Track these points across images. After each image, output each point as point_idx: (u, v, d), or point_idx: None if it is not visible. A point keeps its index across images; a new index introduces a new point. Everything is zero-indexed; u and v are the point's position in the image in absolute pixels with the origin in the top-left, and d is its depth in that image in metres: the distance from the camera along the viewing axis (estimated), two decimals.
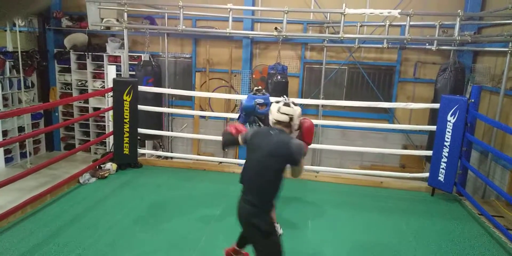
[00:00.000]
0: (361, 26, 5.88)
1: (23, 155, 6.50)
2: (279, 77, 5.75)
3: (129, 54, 6.08)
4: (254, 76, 6.60)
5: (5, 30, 6.15)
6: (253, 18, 6.41)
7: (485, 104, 5.34)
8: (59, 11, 6.88)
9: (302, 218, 4.09)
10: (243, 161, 5.86)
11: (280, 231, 3.42)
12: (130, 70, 6.02)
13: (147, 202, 4.25)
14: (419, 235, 3.78)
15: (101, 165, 5.14)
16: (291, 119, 2.43)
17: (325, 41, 6.16)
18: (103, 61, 6.79)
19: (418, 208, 4.47)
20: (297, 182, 5.15)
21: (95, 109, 6.88)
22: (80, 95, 6.85)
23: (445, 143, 4.59)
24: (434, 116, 4.97)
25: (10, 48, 6.25)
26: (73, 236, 3.46)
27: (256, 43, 6.64)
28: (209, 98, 6.75)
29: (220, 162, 5.79)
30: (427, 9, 5.91)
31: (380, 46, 5.73)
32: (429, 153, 4.88)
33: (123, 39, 5.67)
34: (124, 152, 5.23)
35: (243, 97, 5.90)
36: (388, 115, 6.49)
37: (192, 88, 6.87)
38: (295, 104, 2.51)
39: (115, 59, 6.75)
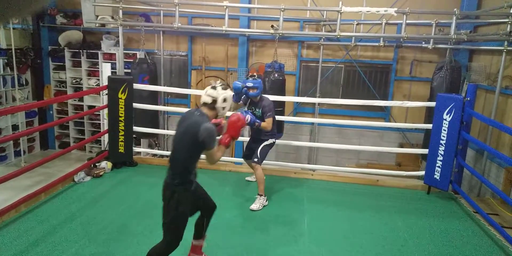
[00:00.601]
0: (357, 24, 5.87)
1: (17, 154, 6.44)
2: (276, 75, 5.74)
3: (124, 51, 6.04)
4: (250, 74, 6.57)
5: None
6: (250, 15, 6.38)
7: (481, 102, 5.37)
8: (54, 8, 6.80)
9: (298, 216, 4.08)
10: (239, 160, 5.85)
11: (265, 202, 4.23)
12: (125, 68, 5.98)
13: (143, 201, 4.23)
14: (415, 233, 3.79)
15: (96, 164, 5.10)
16: (214, 101, 2.57)
17: (322, 39, 6.15)
18: (98, 59, 6.73)
19: (414, 206, 4.48)
20: (293, 181, 5.15)
21: (90, 107, 6.83)
22: (75, 93, 6.79)
23: (441, 142, 4.60)
24: (430, 115, 4.98)
25: (3, 45, 6.18)
26: (67, 235, 3.43)
27: (252, 41, 6.62)
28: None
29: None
30: (423, 8, 5.92)
31: (377, 44, 5.74)
32: (425, 151, 4.89)
33: (118, 37, 5.63)
34: (119, 150, 5.19)
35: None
36: (384, 113, 6.50)
37: (188, 86, 6.84)
38: (225, 89, 2.63)
39: (110, 57, 6.69)
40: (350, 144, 6.13)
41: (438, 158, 4.65)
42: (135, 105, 5.20)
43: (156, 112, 6.00)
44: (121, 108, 5.10)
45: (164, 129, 6.79)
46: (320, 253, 3.37)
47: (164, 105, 6.69)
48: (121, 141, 5.18)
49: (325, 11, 6.02)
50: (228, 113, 3.48)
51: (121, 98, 5.07)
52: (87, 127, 7.07)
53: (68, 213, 3.86)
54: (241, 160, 5.86)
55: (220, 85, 2.63)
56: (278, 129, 5.43)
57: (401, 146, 6.37)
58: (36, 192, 3.98)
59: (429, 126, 4.79)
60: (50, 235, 3.41)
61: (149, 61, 5.82)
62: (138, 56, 6.18)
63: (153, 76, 5.85)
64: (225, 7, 5.10)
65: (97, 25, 6.48)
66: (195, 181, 2.71)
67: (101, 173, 4.93)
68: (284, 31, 5.28)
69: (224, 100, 2.60)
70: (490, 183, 4.19)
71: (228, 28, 5.25)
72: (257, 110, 4.16)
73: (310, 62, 6.64)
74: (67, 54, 6.85)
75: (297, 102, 6.56)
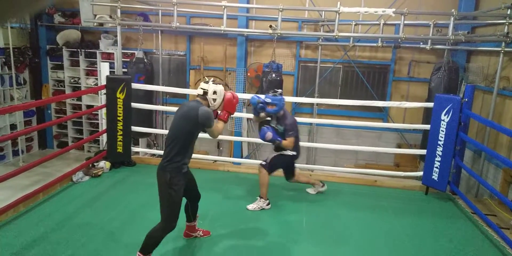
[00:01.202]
0: (355, 24, 5.88)
1: (15, 153, 6.42)
2: (273, 75, 5.74)
3: (123, 51, 6.03)
4: (249, 74, 6.58)
5: None
6: (248, 15, 6.38)
7: (479, 103, 5.38)
8: (52, 7, 6.78)
9: (297, 216, 4.09)
10: (237, 160, 5.84)
11: (266, 206, 4.17)
12: (123, 67, 5.97)
13: (141, 201, 4.23)
14: (412, 234, 3.81)
15: (95, 164, 5.09)
16: (205, 92, 2.93)
17: (320, 40, 6.16)
18: (96, 58, 6.72)
19: (412, 207, 4.50)
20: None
21: (88, 106, 6.81)
22: (73, 92, 6.77)
23: (439, 142, 4.62)
24: (428, 115, 4.99)
25: (1, 44, 6.16)
26: (66, 235, 3.42)
27: (251, 41, 6.62)
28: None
29: (215, 161, 5.77)
30: (421, 8, 5.94)
31: (375, 44, 5.74)
32: (423, 152, 4.91)
33: (117, 36, 5.62)
34: (118, 150, 5.19)
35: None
36: (382, 114, 6.51)
37: (186, 85, 6.83)
38: (217, 84, 2.99)
39: (108, 56, 6.68)
40: (348, 144, 6.14)
41: (436, 159, 4.66)
42: (134, 105, 5.19)
43: (151, 111, 5.98)
44: (120, 107, 5.09)
45: (162, 128, 6.78)
46: (318, 253, 3.38)
47: (162, 105, 6.68)
48: (120, 141, 5.18)
49: (323, 12, 6.02)
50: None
51: (119, 98, 5.07)
52: (86, 127, 7.06)
53: (66, 213, 3.86)
54: (239, 160, 5.86)
55: (212, 80, 3.00)
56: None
57: (399, 146, 6.39)
58: (35, 191, 3.98)
59: (427, 126, 4.81)
60: (49, 235, 3.41)
61: (145, 60, 5.81)
62: (136, 56, 6.17)
63: (149, 76, 5.84)
64: (223, 7, 5.10)
65: (95, 24, 6.46)
66: (187, 167, 2.94)
67: (99, 173, 4.93)
68: (283, 31, 5.28)
69: (214, 92, 2.95)
70: (488, 184, 4.20)
71: (227, 28, 5.25)
72: (279, 126, 4.09)
73: (308, 62, 6.65)
74: (65, 53, 6.83)
75: (295, 102, 6.56)
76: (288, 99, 6.04)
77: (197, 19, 6.65)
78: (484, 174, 4.92)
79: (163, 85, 6.50)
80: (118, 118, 5.11)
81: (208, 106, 2.95)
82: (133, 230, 3.57)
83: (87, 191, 4.45)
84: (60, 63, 6.93)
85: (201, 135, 3.17)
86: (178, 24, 5.27)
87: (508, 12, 4.44)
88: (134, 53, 6.50)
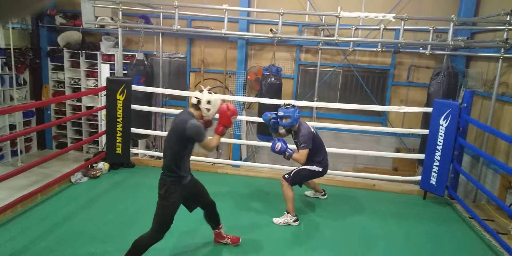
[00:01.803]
0: (356, 29, 5.91)
1: (14, 153, 6.42)
2: (273, 78, 5.76)
3: (123, 53, 6.05)
4: (249, 77, 6.60)
5: None
6: (249, 19, 6.41)
7: (477, 108, 5.40)
8: (53, 8, 6.81)
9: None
10: (236, 162, 5.84)
11: (292, 222, 3.93)
12: (124, 69, 5.99)
13: (139, 203, 4.22)
14: (410, 238, 3.81)
15: (93, 165, 5.09)
16: (198, 102, 2.85)
17: (320, 44, 6.19)
18: (96, 60, 6.74)
19: (410, 211, 4.50)
20: None
21: (88, 108, 6.82)
22: (73, 93, 6.79)
23: (437, 147, 4.63)
24: (427, 120, 5.01)
25: (2, 45, 6.17)
26: (63, 236, 3.42)
27: (251, 44, 6.65)
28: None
29: (214, 163, 5.78)
30: (421, 14, 5.97)
31: (375, 49, 5.78)
32: (421, 156, 4.92)
33: (117, 38, 5.64)
34: (117, 151, 5.19)
35: (237, 98, 5.93)
36: (381, 118, 6.53)
37: (186, 88, 6.85)
38: (211, 93, 2.90)
39: (109, 58, 6.70)
40: (347, 148, 6.14)
41: (435, 164, 4.67)
42: (134, 106, 5.20)
43: (149, 113, 5.99)
44: (119, 109, 5.10)
45: (161, 130, 6.78)
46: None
47: (162, 107, 6.69)
48: (119, 142, 5.18)
49: (324, 16, 6.05)
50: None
51: (119, 100, 5.08)
52: (85, 128, 7.06)
53: (65, 214, 3.85)
54: (238, 162, 5.87)
55: (207, 90, 2.92)
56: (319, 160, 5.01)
57: (398, 151, 6.40)
58: (33, 192, 3.97)
59: (426, 131, 4.82)
60: (46, 236, 3.40)
61: (146, 63, 5.83)
62: (136, 58, 6.19)
63: (149, 78, 5.86)
64: (224, 10, 5.12)
65: (96, 26, 6.48)
66: (187, 177, 2.90)
67: (98, 174, 4.93)
68: (283, 35, 5.30)
69: (208, 102, 2.86)
70: (486, 189, 4.21)
71: (227, 31, 5.28)
72: (296, 140, 3.95)
73: (308, 66, 6.67)
74: (66, 54, 6.85)
75: (294, 106, 6.57)
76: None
77: (198, 22, 6.68)
78: (482, 179, 4.93)
79: (163, 87, 6.52)
80: (118, 119, 5.12)
81: (202, 116, 2.88)
82: (131, 233, 3.56)
83: (85, 192, 4.45)
84: (60, 64, 6.95)
85: None
86: (179, 27, 5.30)
87: (508, 18, 4.46)
88: (135, 55, 6.52)
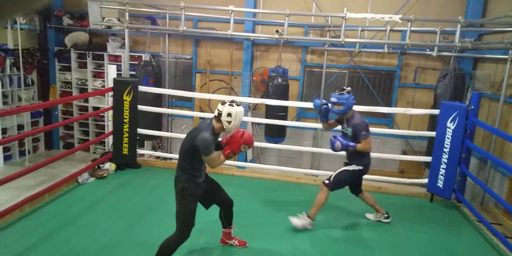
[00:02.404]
0: (362, 30, 5.89)
1: (22, 153, 6.47)
2: (279, 80, 5.76)
3: (130, 54, 6.08)
4: (254, 78, 6.60)
5: (6, 27, 6.13)
6: (255, 20, 6.42)
7: (485, 111, 5.36)
8: (61, 9, 6.87)
9: None
10: (241, 164, 5.83)
11: (309, 227, 3.80)
12: (130, 70, 6.02)
13: (145, 203, 4.24)
14: (416, 241, 3.78)
15: (100, 165, 5.13)
16: (219, 114, 2.88)
17: (326, 45, 6.17)
18: (103, 60, 6.78)
19: (417, 214, 4.47)
20: (296, 186, 5.16)
21: (95, 108, 6.86)
22: (80, 94, 6.84)
23: (445, 149, 4.60)
24: (433, 122, 4.97)
25: (10, 45, 6.23)
26: (70, 236, 3.44)
27: (257, 45, 6.65)
28: (209, 99, 6.75)
29: None
30: (428, 15, 5.93)
31: (381, 51, 5.75)
32: (428, 159, 4.89)
33: (124, 39, 5.67)
34: (123, 152, 5.22)
35: (242, 99, 5.92)
36: (387, 120, 6.50)
37: (192, 89, 6.87)
38: (232, 105, 2.87)
39: (115, 59, 6.74)
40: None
41: (442, 166, 4.64)
42: (140, 107, 5.23)
43: (159, 114, 6.03)
44: (126, 110, 5.13)
45: (168, 131, 6.81)
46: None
47: (168, 108, 6.72)
48: (125, 143, 5.21)
49: (330, 17, 6.04)
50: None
51: (126, 100, 5.10)
52: (92, 128, 7.11)
53: (71, 214, 3.88)
54: (243, 164, 5.87)
55: (231, 102, 2.90)
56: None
57: (404, 153, 6.36)
58: (40, 192, 4.01)
59: (433, 133, 4.79)
60: (53, 236, 3.43)
61: (154, 63, 5.86)
62: (143, 59, 6.22)
63: (157, 78, 5.90)
64: (230, 11, 5.13)
65: (103, 27, 6.52)
66: (201, 176, 2.96)
67: (104, 175, 4.96)
68: (289, 36, 5.30)
69: (229, 114, 2.85)
70: (494, 193, 4.18)
71: (233, 32, 5.29)
72: (348, 128, 3.68)
73: (314, 67, 6.66)
74: (73, 55, 6.90)
75: (300, 107, 6.57)
76: (294, 103, 6.08)
77: (204, 23, 6.69)
78: (490, 183, 4.89)
79: (169, 88, 6.55)
80: (124, 120, 5.15)
81: (223, 128, 2.90)
82: (137, 233, 3.59)
83: (92, 193, 4.48)
84: (68, 64, 7.00)
85: None
86: (185, 28, 5.31)
87: None
88: (141, 56, 6.56)
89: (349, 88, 3.63)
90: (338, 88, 3.71)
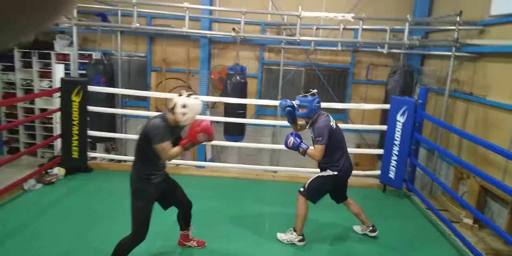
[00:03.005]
0: (317, 29, 6.01)
1: None
2: (238, 77, 5.74)
3: (79, 52, 5.79)
4: (212, 76, 6.53)
5: None
6: (211, 17, 6.35)
7: (432, 104, 5.66)
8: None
9: (259, 219, 4.08)
10: (201, 163, 5.74)
11: (298, 242, 3.49)
12: (80, 69, 5.73)
13: (98, 210, 4.04)
14: None
15: (48, 170, 4.82)
16: (174, 105, 2.74)
17: (283, 43, 6.23)
18: (50, 60, 6.40)
19: (371, 204, 4.62)
20: (255, 183, 5.16)
21: (42, 110, 6.46)
22: (25, 95, 6.41)
23: (395, 142, 4.80)
24: (385, 116, 5.18)
25: None
26: (15, 247, 3.20)
27: (214, 43, 6.58)
28: (166, 98, 6.58)
29: (177, 165, 5.66)
30: (378, 14, 6.17)
31: (335, 48, 5.90)
32: (380, 151, 5.08)
33: (72, 36, 5.38)
34: (73, 155, 4.95)
35: (201, 98, 5.83)
36: (342, 115, 6.69)
37: (147, 88, 6.66)
38: (189, 97, 2.75)
39: (64, 58, 6.38)
40: (310, 144, 6.24)
41: (393, 158, 4.84)
42: (91, 108, 4.98)
43: (112, 115, 5.78)
44: (75, 111, 4.87)
45: (122, 132, 6.56)
46: (276, 249, 3.39)
47: (121, 108, 6.47)
48: (75, 146, 4.94)
49: (285, 16, 6.10)
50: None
51: (74, 101, 4.84)
52: (39, 131, 6.69)
53: (16, 224, 3.61)
54: (202, 163, 5.79)
55: (186, 94, 2.79)
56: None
57: (359, 146, 6.58)
58: None
59: (384, 127, 4.98)
60: None
61: (105, 62, 5.62)
62: (94, 57, 5.94)
63: (109, 77, 5.66)
64: (185, 8, 5.03)
65: None
66: (157, 176, 2.83)
67: (53, 180, 4.67)
68: (245, 34, 5.30)
69: (184, 106, 2.71)
70: (440, 181, 4.42)
71: (189, 29, 5.19)
72: (312, 133, 3.42)
73: (271, 65, 6.70)
74: (17, 54, 6.46)
75: (259, 105, 6.59)
76: (252, 101, 6.08)
77: (159, 20, 6.52)
78: (437, 172, 5.18)
79: (122, 88, 6.30)
80: (74, 122, 4.88)
81: (177, 121, 2.74)
82: (89, 240, 3.41)
83: (39, 200, 4.20)
84: (10, 64, 6.54)
85: None
86: (138, 25, 5.14)
87: (458, 19, 4.70)
88: (92, 54, 6.26)
89: (314, 90, 3.41)
90: (304, 91, 3.51)
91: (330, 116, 3.46)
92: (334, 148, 3.38)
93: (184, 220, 3.24)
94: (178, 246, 3.36)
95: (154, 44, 6.67)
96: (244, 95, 5.79)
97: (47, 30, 6.42)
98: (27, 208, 3.99)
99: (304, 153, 3.31)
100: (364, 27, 5.15)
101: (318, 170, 3.60)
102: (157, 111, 6.54)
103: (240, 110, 5.73)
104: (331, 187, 3.52)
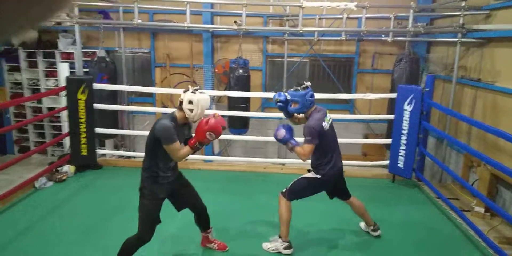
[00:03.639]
0: (319, 19, 5.93)
1: None
2: (240, 71, 5.71)
3: (83, 50, 5.81)
4: (217, 70, 6.51)
5: None
6: (212, 11, 6.30)
7: (439, 92, 5.58)
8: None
9: (269, 210, 4.09)
10: (209, 157, 5.76)
11: (284, 250, 3.24)
12: (85, 67, 5.76)
13: (108, 206, 4.08)
14: (381, 220, 3.89)
15: (58, 168, 4.89)
16: (181, 102, 2.71)
17: (286, 34, 6.17)
18: (55, 59, 6.44)
19: (380, 195, 4.62)
20: (263, 176, 5.17)
21: (50, 109, 6.52)
22: (33, 95, 6.46)
23: (403, 131, 4.76)
24: (392, 105, 5.12)
25: None
26: (29, 245, 3.27)
27: (217, 36, 6.55)
28: (171, 94, 6.59)
29: (185, 159, 5.68)
30: (382, 2, 6.05)
31: (339, 38, 5.82)
32: (388, 141, 5.04)
33: (76, 35, 5.39)
34: (82, 153, 5.00)
35: (206, 92, 5.83)
36: (348, 105, 6.64)
37: (152, 84, 6.67)
38: (195, 93, 2.68)
39: (68, 56, 6.42)
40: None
41: (401, 148, 4.81)
42: (96, 105, 5.01)
43: (115, 111, 5.79)
44: (82, 109, 4.91)
45: (129, 129, 6.60)
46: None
47: (127, 105, 6.50)
48: (83, 143, 4.99)
49: (287, 6, 6.03)
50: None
51: (80, 99, 4.88)
52: (48, 130, 6.77)
53: (29, 221, 3.68)
54: (210, 157, 5.81)
55: (194, 90, 2.71)
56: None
57: (366, 136, 6.54)
58: None
59: (391, 117, 4.94)
60: (10, 246, 3.24)
61: (108, 59, 5.63)
62: (97, 55, 5.95)
63: (112, 75, 5.67)
64: (186, 2, 5.00)
65: (52, 23, 6.17)
66: (167, 176, 2.80)
67: (63, 178, 4.74)
68: (248, 27, 5.25)
69: (190, 102, 2.66)
70: (450, 170, 4.38)
71: (191, 24, 5.16)
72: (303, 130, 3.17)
73: (275, 57, 6.65)
74: (22, 54, 6.51)
75: (264, 98, 6.57)
76: (257, 94, 6.06)
77: (161, 15, 6.50)
78: (447, 160, 5.13)
79: (127, 84, 6.32)
80: (81, 120, 4.92)
81: (186, 118, 2.71)
82: (100, 237, 3.46)
83: (50, 198, 4.26)
84: (17, 64, 6.60)
85: None
86: (140, 21, 5.13)
87: (463, 4, 4.60)
88: (96, 52, 6.27)
89: (308, 83, 3.11)
90: (296, 83, 3.17)
91: (327, 114, 3.21)
92: (323, 150, 3.13)
93: (200, 223, 3.18)
94: (201, 246, 3.31)
95: (157, 39, 6.65)
96: (247, 89, 5.77)
97: (45, 25, 6.45)
98: (39, 205, 4.06)
99: (292, 149, 3.07)
100: (367, 15, 5.07)
101: None
102: (163, 106, 6.57)
103: (243, 104, 5.72)
104: (316, 191, 3.28)
